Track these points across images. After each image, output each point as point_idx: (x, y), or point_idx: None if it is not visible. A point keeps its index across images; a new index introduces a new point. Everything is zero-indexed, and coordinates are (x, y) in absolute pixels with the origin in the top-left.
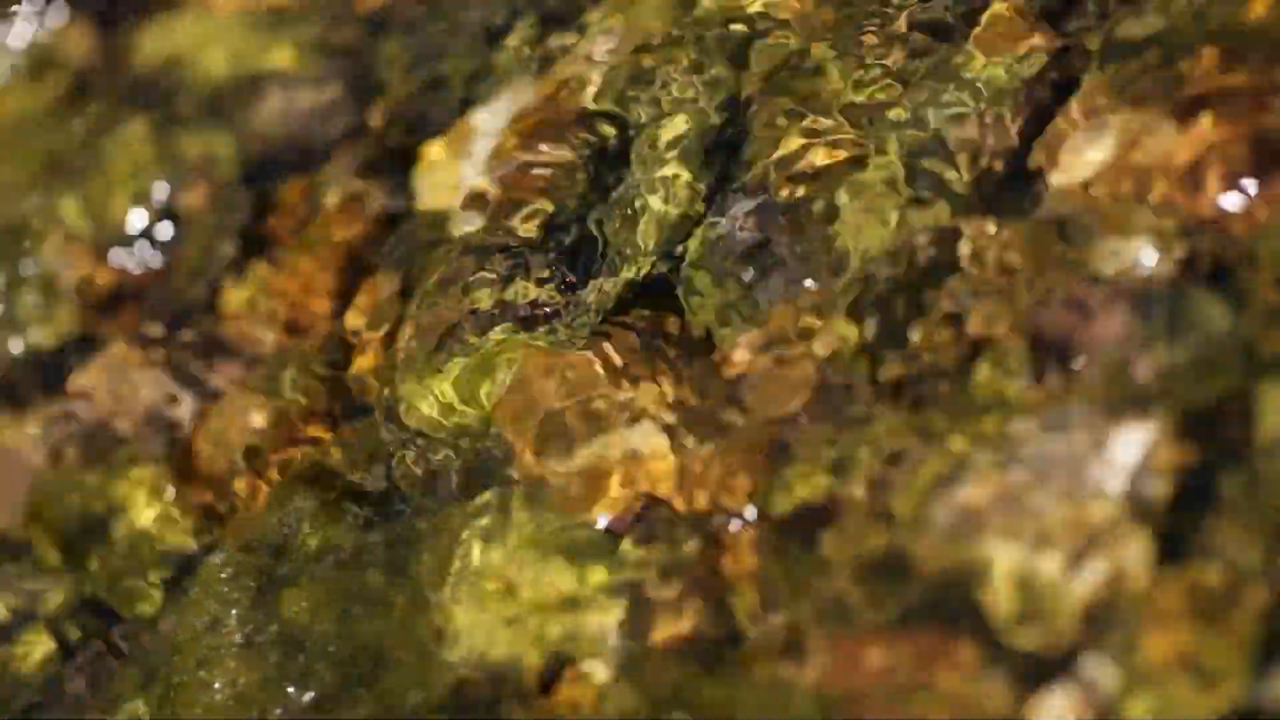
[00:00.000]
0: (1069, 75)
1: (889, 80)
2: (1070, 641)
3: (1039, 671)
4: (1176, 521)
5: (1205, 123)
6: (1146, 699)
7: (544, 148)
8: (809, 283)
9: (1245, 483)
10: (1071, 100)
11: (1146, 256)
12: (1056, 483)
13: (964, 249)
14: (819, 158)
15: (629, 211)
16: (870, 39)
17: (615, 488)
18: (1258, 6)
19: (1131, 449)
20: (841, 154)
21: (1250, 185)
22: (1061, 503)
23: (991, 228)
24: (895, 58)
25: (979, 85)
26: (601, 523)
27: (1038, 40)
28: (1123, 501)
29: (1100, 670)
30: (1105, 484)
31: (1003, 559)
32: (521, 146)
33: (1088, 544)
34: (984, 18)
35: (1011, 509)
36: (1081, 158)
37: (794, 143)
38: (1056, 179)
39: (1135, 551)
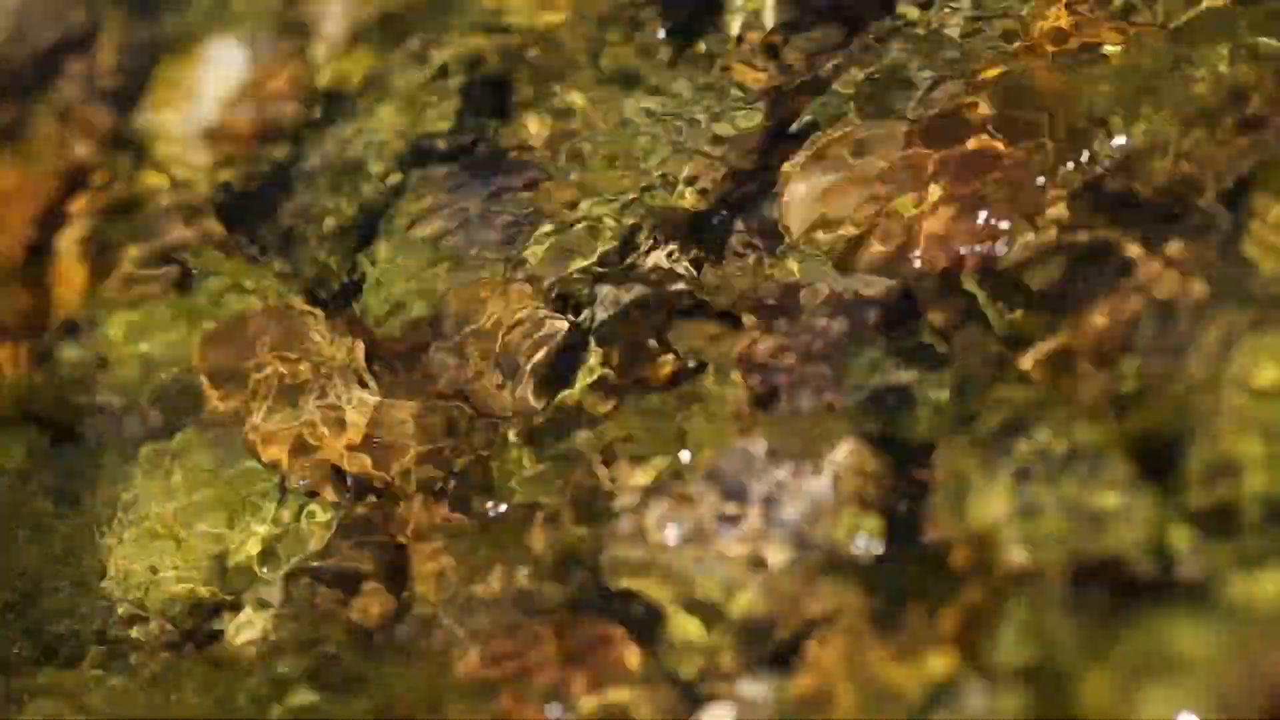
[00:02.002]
0: (800, 115)
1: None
2: (735, 657)
3: (703, 685)
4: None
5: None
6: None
7: (270, 99)
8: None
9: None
10: (805, 141)
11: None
12: (745, 508)
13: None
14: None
15: (341, 176)
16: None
17: (305, 446)
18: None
19: (822, 481)
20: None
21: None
22: (739, 527)
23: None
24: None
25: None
26: (285, 478)
27: (777, 79)
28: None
29: (761, 688)
30: (786, 513)
31: (676, 574)
32: (253, 92)
33: (772, 562)
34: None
35: (693, 529)
36: (806, 197)
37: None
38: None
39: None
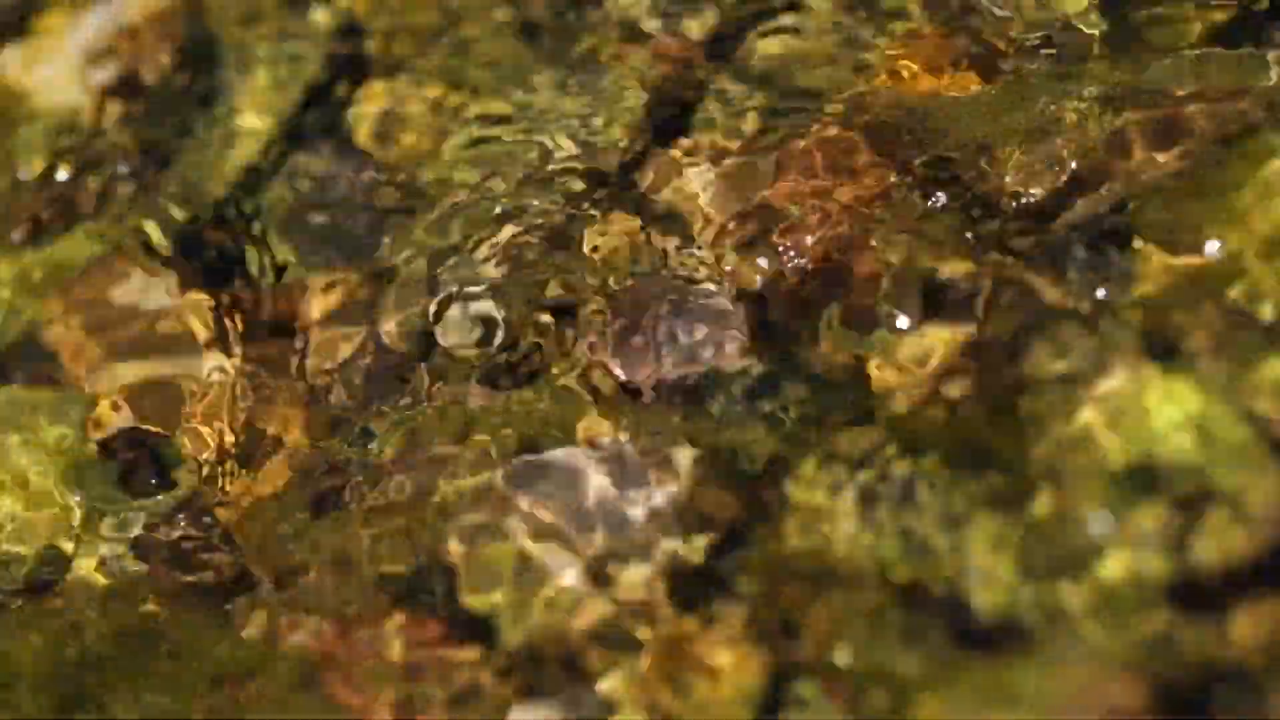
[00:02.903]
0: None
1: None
2: (560, 658)
3: (532, 681)
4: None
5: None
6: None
7: (144, 61)
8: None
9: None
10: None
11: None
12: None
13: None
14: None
15: (209, 145)
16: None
17: (148, 409)
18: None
19: (663, 491)
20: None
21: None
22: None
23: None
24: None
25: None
26: (122, 441)
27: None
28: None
29: (583, 692)
30: (630, 517)
31: (504, 574)
32: (129, 48)
33: (602, 570)
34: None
35: (525, 531)
36: (690, 184)
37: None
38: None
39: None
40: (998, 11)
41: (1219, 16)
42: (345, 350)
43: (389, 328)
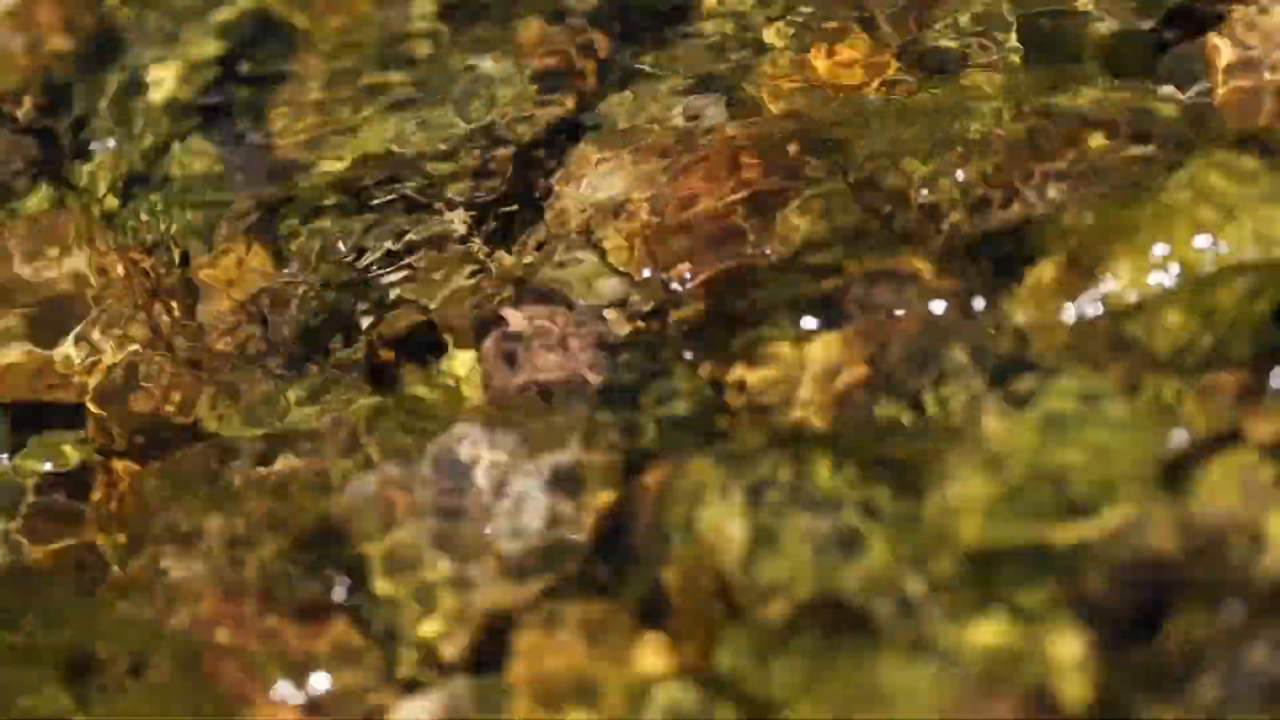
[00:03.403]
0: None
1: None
2: (447, 647)
3: (417, 670)
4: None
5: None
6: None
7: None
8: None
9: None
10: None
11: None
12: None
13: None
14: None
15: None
16: None
17: (45, 378)
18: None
19: (551, 478)
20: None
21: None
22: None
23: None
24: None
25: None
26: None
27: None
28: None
29: (470, 680)
30: (514, 507)
31: (396, 559)
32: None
33: (486, 558)
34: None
35: (415, 513)
36: (595, 190)
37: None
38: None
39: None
40: (915, 21)
41: (1125, 49)
42: (238, 327)
43: (285, 307)
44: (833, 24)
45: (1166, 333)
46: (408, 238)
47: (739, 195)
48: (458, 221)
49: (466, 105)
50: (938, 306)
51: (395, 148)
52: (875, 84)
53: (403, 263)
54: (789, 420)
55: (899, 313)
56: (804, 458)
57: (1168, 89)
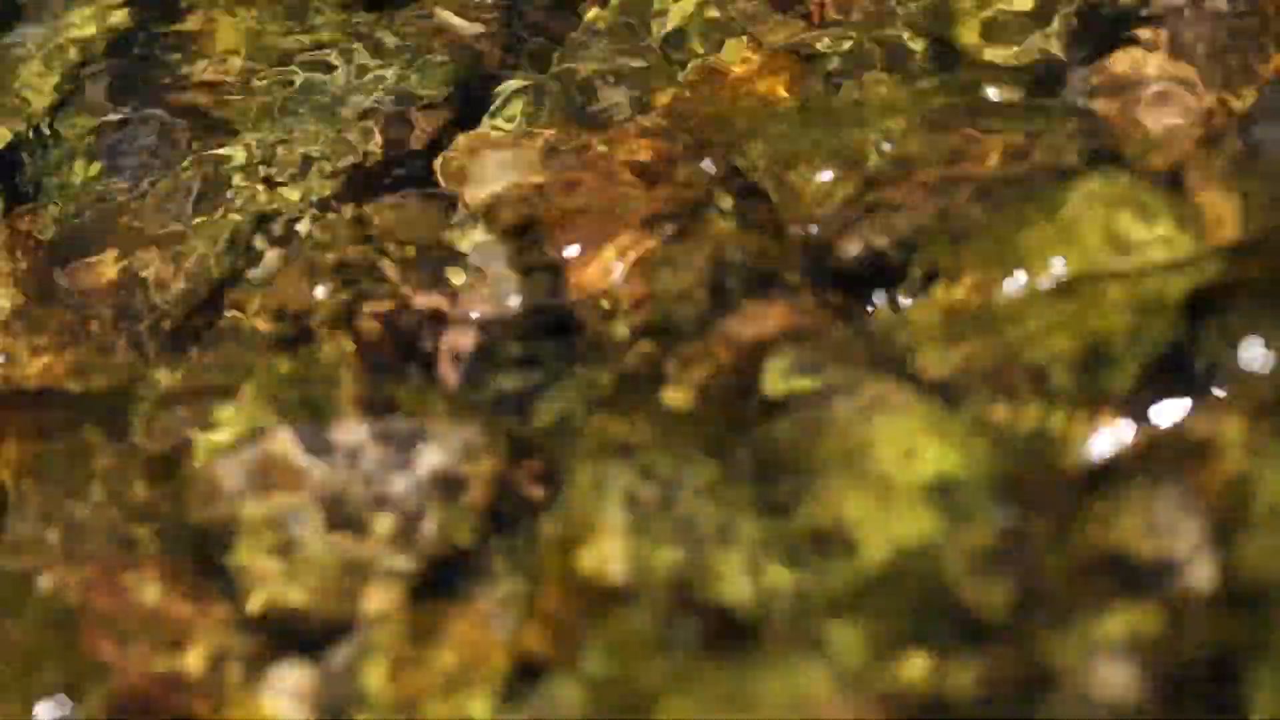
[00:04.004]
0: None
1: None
2: (310, 625)
3: (282, 641)
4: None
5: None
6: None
7: None
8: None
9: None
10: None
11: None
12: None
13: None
14: None
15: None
16: None
17: None
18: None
19: (428, 464)
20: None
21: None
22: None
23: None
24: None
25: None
26: None
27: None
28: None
29: (331, 660)
30: (395, 491)
31: (260, 539)
32: None
33: (363, 538)
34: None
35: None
36: (481, 176)
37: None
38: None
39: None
40: (820, 26)
41: (1026, 59)
42: (126, 290)
43: (176, 278)
44: (739, 25)
45: (1055, 346)
46: (296, 213)
47: (636, 190)
48: (349, 203)
49: (361, 88)
50: (824, 315)
51: (289, 120)
52: (778, 86)
53: (286, 237)
54: (671, 414)
55: (785, 318)
56: (685, 453)
57: (1069, 103)
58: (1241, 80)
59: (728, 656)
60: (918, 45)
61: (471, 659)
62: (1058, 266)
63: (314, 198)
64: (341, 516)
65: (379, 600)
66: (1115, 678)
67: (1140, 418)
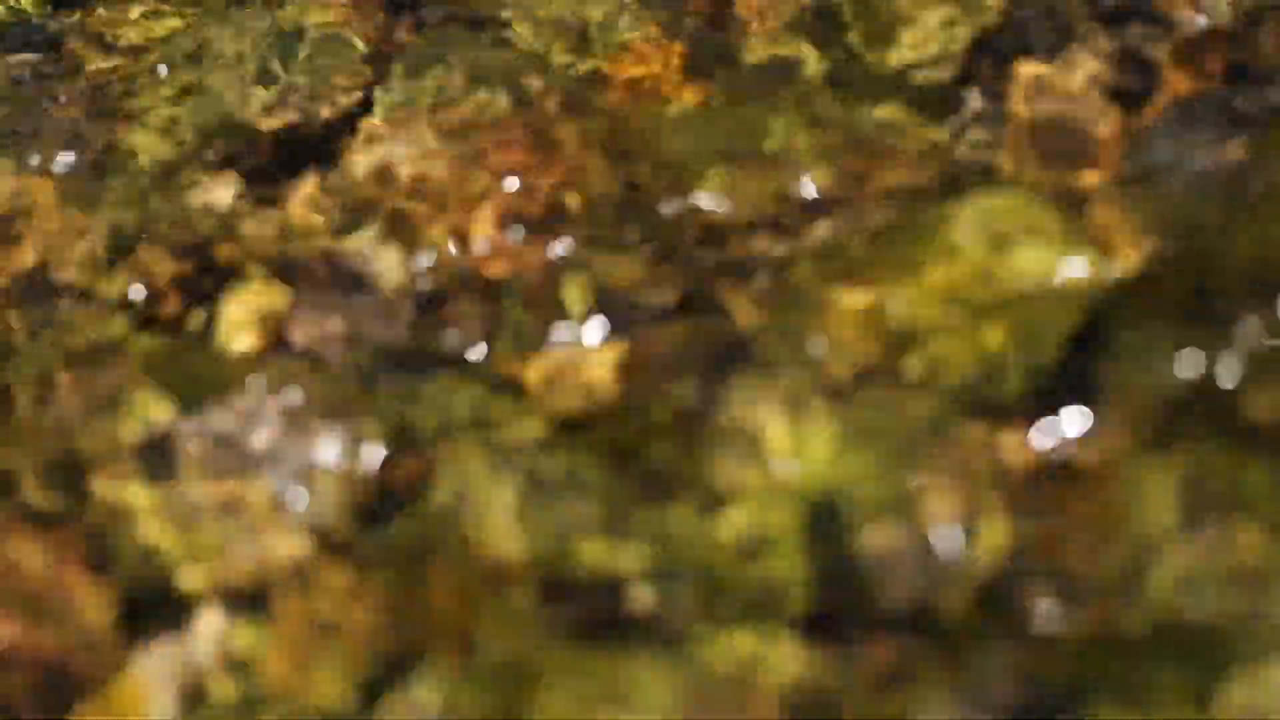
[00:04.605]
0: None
1: None
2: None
3: (159, 618)
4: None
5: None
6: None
7: None
8: None
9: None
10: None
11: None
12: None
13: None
14: None
15: None
16: None
17: None
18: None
19: (321, 450)
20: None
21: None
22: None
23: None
24: None
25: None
26: None
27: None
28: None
29: (213, 630)
30: (282, 472)
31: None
32: None
33: (245, 517)
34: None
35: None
36: (375, 162)
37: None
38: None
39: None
40: (718, 32)
41: (921, 78)
42: (10, 266)
43: (64, 257)
44: (633, 29)
45: (941, 366)
46: (194, 191)
47: (519, 186)
48: (234, 185)
49: (257, 73)
50: (731, 320)
51: (187, 99)
52: (671, 91)
53: (181, 215)
54: (565, 413)
55: (670, 324)
56: (576, 451)
57: (960, 121)
58: (1140, 101)
59: (609, 651)
60: (817, 56)
61: (352, 643)
62: (950, 282)
63: (202, 183)
64: (231, 492)
65: (261, 579)
66: None
67: (1026, 432)
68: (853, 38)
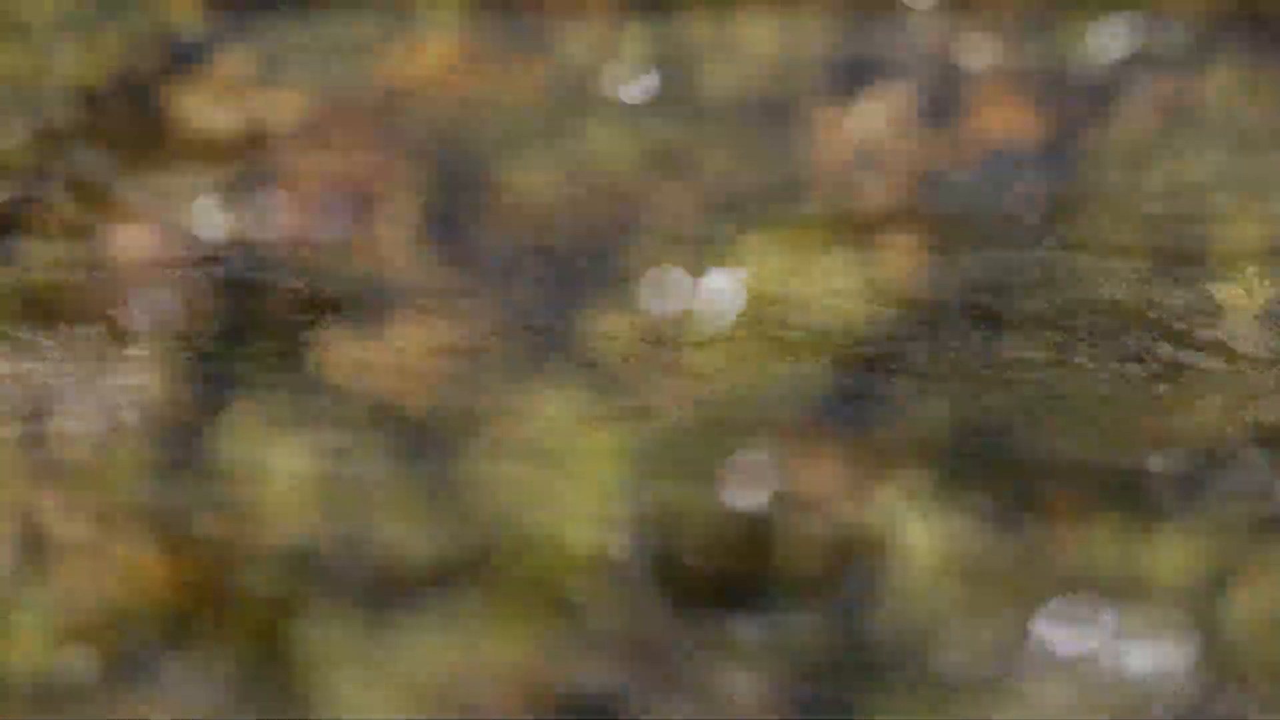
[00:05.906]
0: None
1: None
2: None
3: None
4: None
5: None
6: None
7: None
8: None
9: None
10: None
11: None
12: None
13: None
14: None
15: None
16: None
17: None
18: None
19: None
20: None
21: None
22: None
23: None
24: None
25: None
26: None
27: None
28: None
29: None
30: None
31: None
32: None
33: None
34: None
35: None
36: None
37: None
38: None
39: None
40: (542, 23)
41: (759, 81)
42: None
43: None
44: (452, 18)
45: (731, 380)
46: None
47: (337, 172)
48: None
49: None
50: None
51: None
52: (489, 82)
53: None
54: (375, 393)
55: (494, 313)
56: (377, 431)
57: (780, 147)
58: (945, 140)
59: (395, 624)
60: (643, 77)
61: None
62: (741, 307)
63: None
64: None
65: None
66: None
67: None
68: (690, 62)
